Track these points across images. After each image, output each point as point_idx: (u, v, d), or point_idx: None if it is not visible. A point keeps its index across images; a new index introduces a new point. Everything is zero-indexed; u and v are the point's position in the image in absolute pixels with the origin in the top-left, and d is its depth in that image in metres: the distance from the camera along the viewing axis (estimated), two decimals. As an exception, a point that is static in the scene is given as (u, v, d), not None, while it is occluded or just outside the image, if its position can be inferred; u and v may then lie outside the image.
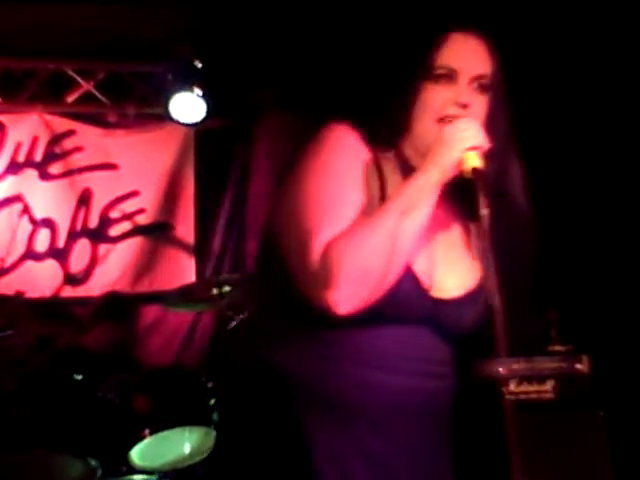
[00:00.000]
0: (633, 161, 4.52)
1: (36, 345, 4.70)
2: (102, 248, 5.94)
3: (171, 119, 5.65)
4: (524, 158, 2.07)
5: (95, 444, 4.11)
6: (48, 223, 5.89)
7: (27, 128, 5.92)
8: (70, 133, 5.99)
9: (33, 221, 5.86)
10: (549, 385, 4.30)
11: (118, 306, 5.14)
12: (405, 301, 1.86)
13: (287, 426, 1.89)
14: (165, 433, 4.09)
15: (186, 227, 6.00)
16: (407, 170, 1.95)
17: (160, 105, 5.72)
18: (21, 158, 5.89)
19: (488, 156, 1.87)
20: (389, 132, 1.96)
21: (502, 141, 1.95)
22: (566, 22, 4.38)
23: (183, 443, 4.14)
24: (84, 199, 5.96)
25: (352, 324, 1.82)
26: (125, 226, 5.95)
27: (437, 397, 1.98)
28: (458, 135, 1.83)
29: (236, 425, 1.98)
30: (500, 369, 4.74)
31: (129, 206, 5.95)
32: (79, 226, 5.93)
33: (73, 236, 5.92)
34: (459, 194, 1.95)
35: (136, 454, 4.10)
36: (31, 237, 5.85)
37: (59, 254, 5.89)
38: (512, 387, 4.31)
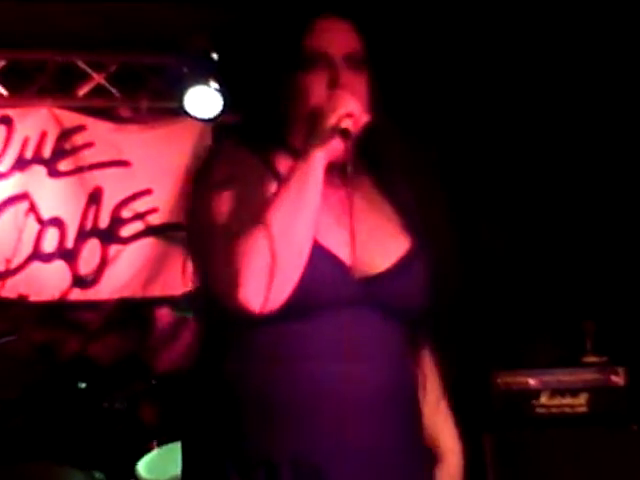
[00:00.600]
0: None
1: (40, 352, 4.70)
2: (113, 249, 5.91)
3: (186, 114, 5.61)
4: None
5: (100, 456, 4.16)
6: (56, 222, 5.86)
7: (35, 123, 5.89)
8: (80, 128, 5.96)
9: (40, 220, 5.83)
10: (583, 398, 4.26)
11: (129, 315, 5.11)
12: (330, 285, 1.90)
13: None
14: (174, 445, 4.06)
15: (201, 228, 5.95)
16: None
17: (175, 99, 5.69)
18: (29, 154, 5.87)
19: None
20: (272, 131, 2.06)
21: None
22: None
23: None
24: (94, 197, 5.93)
25: (280, 319, 1.86)
26: (137, 226, 5.91)
27: (392, 382, 1.98)
28: (331, 106, 1.90)
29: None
30: (530, 380, 4.69)
31: (141, 205, 5.90)
32: (89, 226, 5.90)
33: (82, 236, 5.89)
34: (372, 167, 2.09)
35: (143, 467, 4.10)
36: (38, 237, 5.82)
37: (68, 255, 5.86)
38: (544, 400, 4.26)
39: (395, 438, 1.96)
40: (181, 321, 5.54)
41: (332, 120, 1.88)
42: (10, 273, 5.70)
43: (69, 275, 5.84)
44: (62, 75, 5.92)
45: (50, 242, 5.85)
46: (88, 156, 5.95)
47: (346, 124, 1.89)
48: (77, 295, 5.80)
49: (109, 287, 5.79)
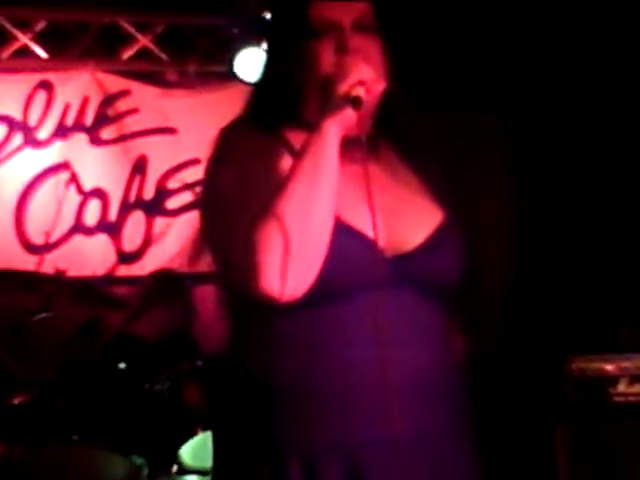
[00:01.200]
0: None
1: (80, 330, 4.68)
2: (158, 222, 5.92)
3: (236, 78, 5.55)
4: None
5: (141, 440, 4.12)
6: (98, 194, 5.87)
7: (77, 88, 5.90)
8: (124, 93, 5.96)
9: (82, 192, 5.85)
10: (666, 386, 4.16)
11: (172, 288, 5.07)
12: (360, 266, 1.86)
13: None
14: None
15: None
16: None
17: (224, 62, 5.67)
18: (70, 121, 5.88)
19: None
20: (285, 104, 2.03)
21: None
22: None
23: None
24: (139, 167, 5.93)
25: (309, 305, 1.83)
26: (184, 198, 5.89)
27: (432, 366, 1.94)
28: (341, 73, 1.86)
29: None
30: (607, 366, 4.56)
31: (189, 175, 5.85)
32: (133, 197, 5.92)
33: (126, 208, 5.90)
34: (398, 139, 2.06)
35: (187, 452, 4.08)
36: (79, 210, 5.84)
37: (111, 228, 5.88)
38: (622, 387, 4.16)
39: (439, 424, 1.93)
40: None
41: (343, 88, 1.83)
42: (50, 247, 5.72)
43: (112, 249, 5.86)
44: (106, 37, 5.92)
45: (92, 215, 5.86)
46: (132, 123, 5.96)
47: (358, 92, 1.83)
48: (120, 271, 5.83)
49: (154, 262, 5.79)
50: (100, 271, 5.77)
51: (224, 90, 5.90)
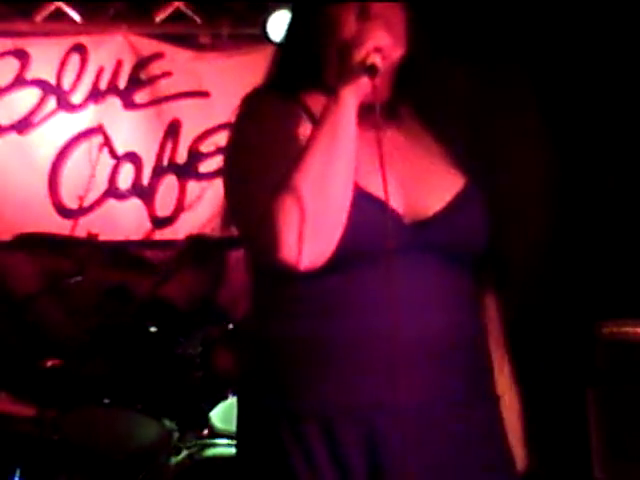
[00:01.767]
0: None
1: (110, 294, 4.74)
2: (191, 186, 5.97)
3: (269, 40, 5.56)
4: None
5: (172, 404, 4.15)
6: (131, 158, 5.95)
7: (110, 51, 5.97)
8: (158, 56, 6.01)
9: (115, 155, 5.92)
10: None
11: (204, 252, 5.10)
12: (380, 232, 1.84)
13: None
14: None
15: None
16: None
17: (257, 24, 5.66)
18: (103, 85, 5.95)
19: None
20: (307, 71, 2.05)
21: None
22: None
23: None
24: (172, 130, 5.98)
25: (330, 271, 1.87)
26: (217, 161, 5.88)
27: (455, 329, 1.96)
28: (358, 40, 1.87)
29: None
30: (639, 331, 4.60)
31: (221, 139, 5.67)
32: (166, 161, 5.97)
33: (159, 172, 5.97)
34: (419, 106, 2.08)
35: (217, 416, 4.10)
36: (113, 173, 5.92)
37: (143, 192, 5.95)
38: None
39: (457, 390, 1.96)
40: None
41: (359, 55, 1.85)
42: (83, 211, 5.81)
43: (145, 213, 5.95)
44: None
45: (125, 179, 5.95)
46: (165, 86, 6.01)
47: (374, 60, 1.85)
48: (153, 235, 5.92)
49: (186, 226, 5.85)
50: (133, 235, 5.85)
51: (257, 52, 5.89)
